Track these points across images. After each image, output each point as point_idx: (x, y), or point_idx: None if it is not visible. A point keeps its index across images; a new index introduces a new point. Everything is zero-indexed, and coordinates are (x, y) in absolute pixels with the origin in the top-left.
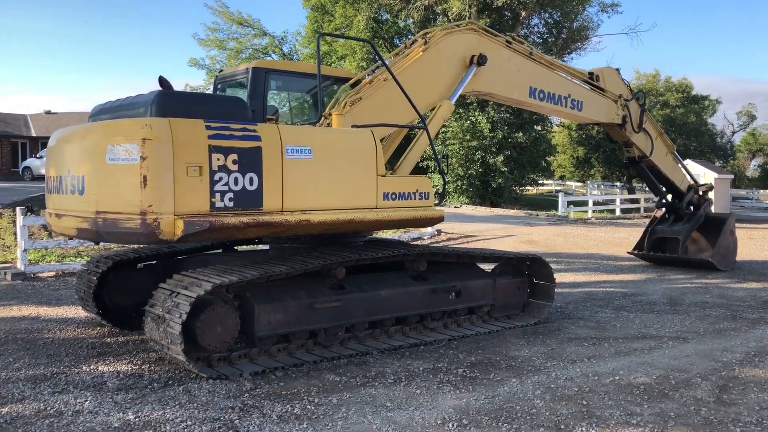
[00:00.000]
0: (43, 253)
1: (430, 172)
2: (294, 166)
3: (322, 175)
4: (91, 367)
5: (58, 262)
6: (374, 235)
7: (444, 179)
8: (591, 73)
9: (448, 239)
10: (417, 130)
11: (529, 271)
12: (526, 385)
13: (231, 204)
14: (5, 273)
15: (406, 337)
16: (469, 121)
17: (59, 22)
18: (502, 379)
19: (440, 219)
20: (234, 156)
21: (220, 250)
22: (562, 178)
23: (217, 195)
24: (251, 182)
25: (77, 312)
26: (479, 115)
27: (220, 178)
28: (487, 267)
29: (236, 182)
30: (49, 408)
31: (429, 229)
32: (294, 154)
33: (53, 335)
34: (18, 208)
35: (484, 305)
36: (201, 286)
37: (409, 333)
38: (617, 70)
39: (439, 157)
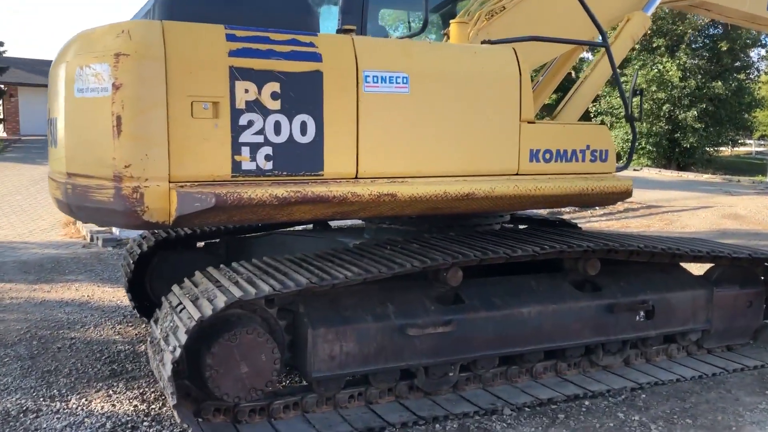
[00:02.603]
0: None
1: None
2: (377, 105)
3: (425, 120)
4: (81, 401)
5: None
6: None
7: (634, 130)
8: None
9: (625, 210)
10: (582, 71)
11: (766, 277)
12: None
13: (268, 165)
14: (98, 238)
15: (562, 382)
16: (655, 69)
17: None
18: None
19: (626, 194)
20: (274, 86)
21: (310, 225)
22: (762, 137)
23: (245, 150)
24: (303, 130)
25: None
26: (667, 61)
27: (250, 123)
28: (691, 266)
29: (277, 129)
30: None
31: None
32: (378, 84)
33: (80, 335)
34: None
35: (693, 331)
36: (215, 298)
37: (566, 374)
38: None
39: (627, 96)
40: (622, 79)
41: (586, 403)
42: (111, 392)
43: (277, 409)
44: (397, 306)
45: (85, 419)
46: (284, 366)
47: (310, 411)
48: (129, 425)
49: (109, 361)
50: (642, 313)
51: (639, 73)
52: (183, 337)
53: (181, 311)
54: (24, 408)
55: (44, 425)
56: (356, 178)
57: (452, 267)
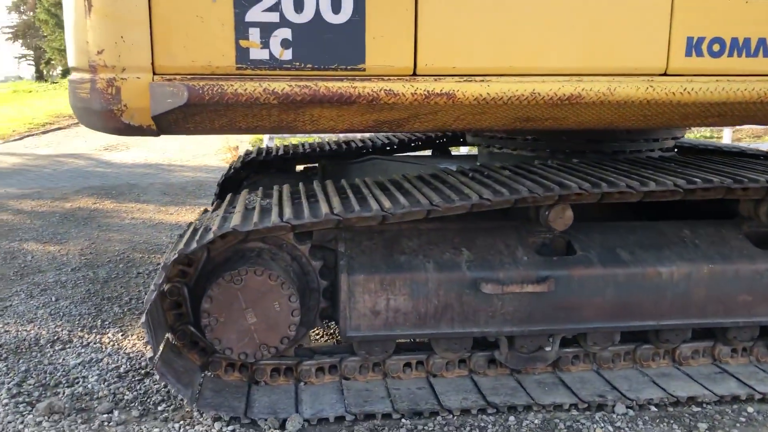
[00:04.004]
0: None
1: None
2: None
3: None
4: (117, 336)
5: None
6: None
7: None
8: None
9: None
10: None
11: None
12: None
13: (286, 54)
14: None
15: (717, 375)
16: None
17: None
18: None
19: None
20: None
21: (429, 152)
22: None
23: (253, 33)
24: (336, 6)
25: None
26: None
27: None
28: None
29: (299, 5)
30: None
31: None
32: None
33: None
34: None
35: None
36: (211, 227)
37: (727, 363)
38: None
39: None
40: None
41: (750, 410)
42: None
43: (308, 372)
44: (476, 253)
45: (105, 358)
46: (322, 319)
47: (351, 378)
48: (143, 371)
49: None
50: None
51: None
52: (161, 276)
53: (176, 243)
54: (56, 337)
55: (62, 359)
56: (414, 74)
57: (556, 204)
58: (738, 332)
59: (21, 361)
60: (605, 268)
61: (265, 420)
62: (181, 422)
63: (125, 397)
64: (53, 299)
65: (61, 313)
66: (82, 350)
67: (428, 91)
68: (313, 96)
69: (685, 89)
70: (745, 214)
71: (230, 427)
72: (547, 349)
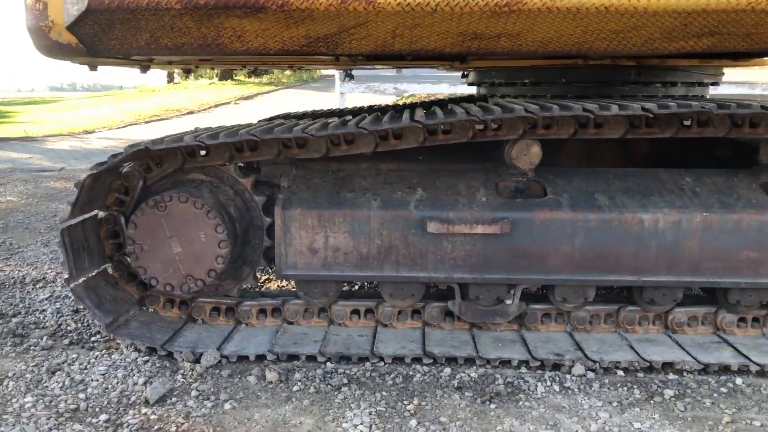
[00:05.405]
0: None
1: None
2: None
3: None
4: None
5: None
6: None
7: None
8: None
9: None
10: None
11: None
12: None
13: None
14: None
15: (715, 345)
16: None
17: None
18: None
19: None
20: None
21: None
22: None
23: None
24: None
25: None
26: None
27: None
28: None
29: None
30: None
31: None
32: None
33: None
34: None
35: None
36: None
37: (730, 333)
38: None
39: None
40: None
41: (738, 381)
42: None
43: (248, 313)
44: (430, 193)
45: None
46: (267, 259)
47: (294, 322)
48: None
49: None
50: None
51: None
52: (73, 198)
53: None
54: (42, 277)
55: (34, 295)
56: None
57: (519, 139)
58: (742, 296)
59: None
60: (574, 212)
61: (181, 353)
62: (103, 351)
63: (68, 328)
64: None
65: (61, 260)
66: (58, 289)
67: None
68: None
69: None
70: (764, 160)
71: (145, 358)
72: (508, 302)
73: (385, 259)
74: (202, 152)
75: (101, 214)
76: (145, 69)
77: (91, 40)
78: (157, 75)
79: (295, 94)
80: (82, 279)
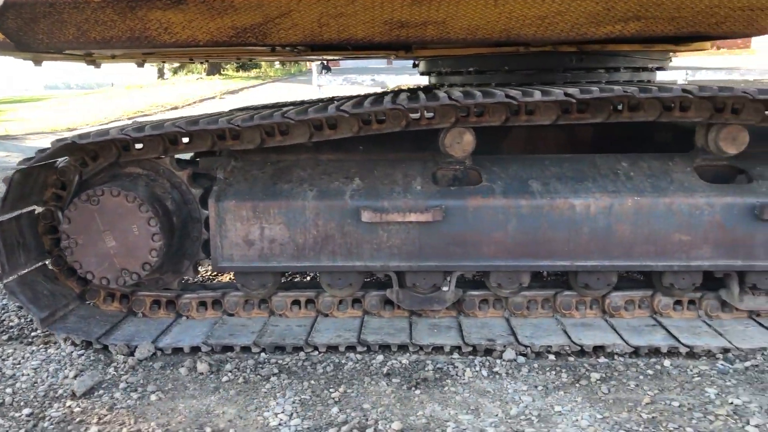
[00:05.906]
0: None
1: None
2: None
3: None
4: None
5: None
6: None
7: None
8: None
9: None
10: None
11: None
12: None
13: None
14: None
15: (650, 328)
16: None
17: None
18: None
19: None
20: None
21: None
22: None
23: None
24: None
25: None
26: None
27: None
28: None
29: None
30: None
31: None
32: None
33: None
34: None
35: None
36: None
37: (666, 313)
38: None
39: None
40: None
41: (666, 363)
42: None
43: (188, 305)
44: (367, 182)
45: None
46: (207, 251)
47: (234, 314)
48: None
49: None
50: None
51: None
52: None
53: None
54: None
55: None
56: None
57: (452, 128)
58: (675, 279)
59: None
60: (507, 198)
61: (116, 346)
62: (40, 346)
63: (10, 324)
64: None
65: None
66: None
67: None
68: None
69: None
70: (699, 144)
71: (80, 351)
72: (444, 289)
73: (322, 250)
74: (137, 145)
75: (39, 209)
76: (90, 63)
77: (17, 35)
78: (148, 71)
79: (282, 87)
80: (17, 274)
